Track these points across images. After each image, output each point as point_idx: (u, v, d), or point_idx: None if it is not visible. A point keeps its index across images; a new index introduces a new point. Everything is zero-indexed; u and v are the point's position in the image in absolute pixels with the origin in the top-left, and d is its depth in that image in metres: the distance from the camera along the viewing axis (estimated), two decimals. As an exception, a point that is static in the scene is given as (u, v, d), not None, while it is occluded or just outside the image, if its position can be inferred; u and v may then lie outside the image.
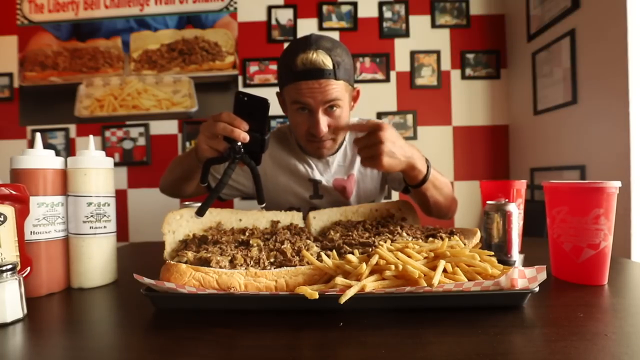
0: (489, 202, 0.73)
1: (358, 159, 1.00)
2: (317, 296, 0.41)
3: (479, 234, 0.65)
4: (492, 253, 0.50)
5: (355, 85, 0.94)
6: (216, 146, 0.64)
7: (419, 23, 1.87)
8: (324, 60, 0.80)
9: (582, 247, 0.57)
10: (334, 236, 0.64)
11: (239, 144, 0.60)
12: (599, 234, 0.56)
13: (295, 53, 0.82)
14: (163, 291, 0.46)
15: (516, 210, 0.73)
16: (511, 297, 0.45)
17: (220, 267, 0.48)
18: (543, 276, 0.45)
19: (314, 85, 0.81)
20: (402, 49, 1.87)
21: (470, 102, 1.86)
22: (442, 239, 0.59)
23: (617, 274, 0.64)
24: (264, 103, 0.61)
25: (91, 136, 0.65)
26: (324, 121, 0.85)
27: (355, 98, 0.96)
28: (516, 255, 0.71)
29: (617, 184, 0.54)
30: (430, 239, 0.59)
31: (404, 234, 0.63)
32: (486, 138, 1.87)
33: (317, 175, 0.98)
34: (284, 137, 1.04)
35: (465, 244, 0.58)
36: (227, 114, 0.62)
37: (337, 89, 0.83)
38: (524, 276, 0.46)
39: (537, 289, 0.44)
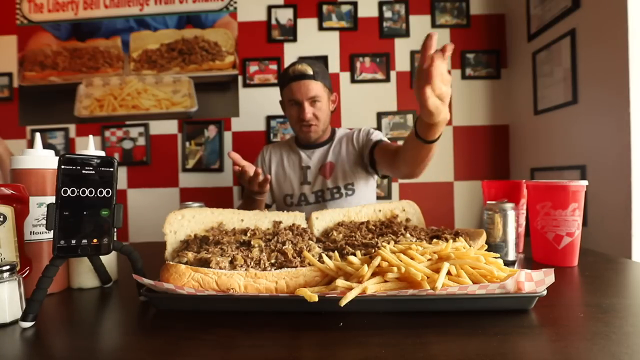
0: (489, 202, 0.74)
1: (334, 149, 1.30)
2: (316, 299, 0.41)
3: (484, 236, 0.64)
4: (498, 255, 0.49)
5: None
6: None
7: (419, 23, 1.86)
8: (307, 69, 1.19)
9: (562, 235, 0.68)
10: (336, 237, 0.64)
11: None
12: (575, 224, 0.68)
13: (289, 68, 1.22)
14: (162, 292, 0.46)
15: (516, 211, 0.73)
16: (518, 301, 0.44)
17: (220, 268, 0.48)
18: (551, 279, 0.45)
19: (301, 84, 1.18)
20: (402, 49, 1.86)
21: (470, 102, 1.86)
22: (446, 240, 0.59)
23: (617, 273, 0.64)
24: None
25: (91, 136, 0.65)
26: (309, 109, 1.20)
27: (333, 102, 1.32)
28: (513, 255, 0.71)
29: (585, 182, 0.68)
30: (435, 240, 0.58)
31: (408, 235, 0.63)
32: (486, 138, 1.86)
33: (307, 163, 1.32)
34: (287, 142, 1.41)
35: (470, 246, 0.57)
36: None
37: (317, 87, 1.19)
38: (531, 279, 0.45)
39: (545, 293, 0.44)
